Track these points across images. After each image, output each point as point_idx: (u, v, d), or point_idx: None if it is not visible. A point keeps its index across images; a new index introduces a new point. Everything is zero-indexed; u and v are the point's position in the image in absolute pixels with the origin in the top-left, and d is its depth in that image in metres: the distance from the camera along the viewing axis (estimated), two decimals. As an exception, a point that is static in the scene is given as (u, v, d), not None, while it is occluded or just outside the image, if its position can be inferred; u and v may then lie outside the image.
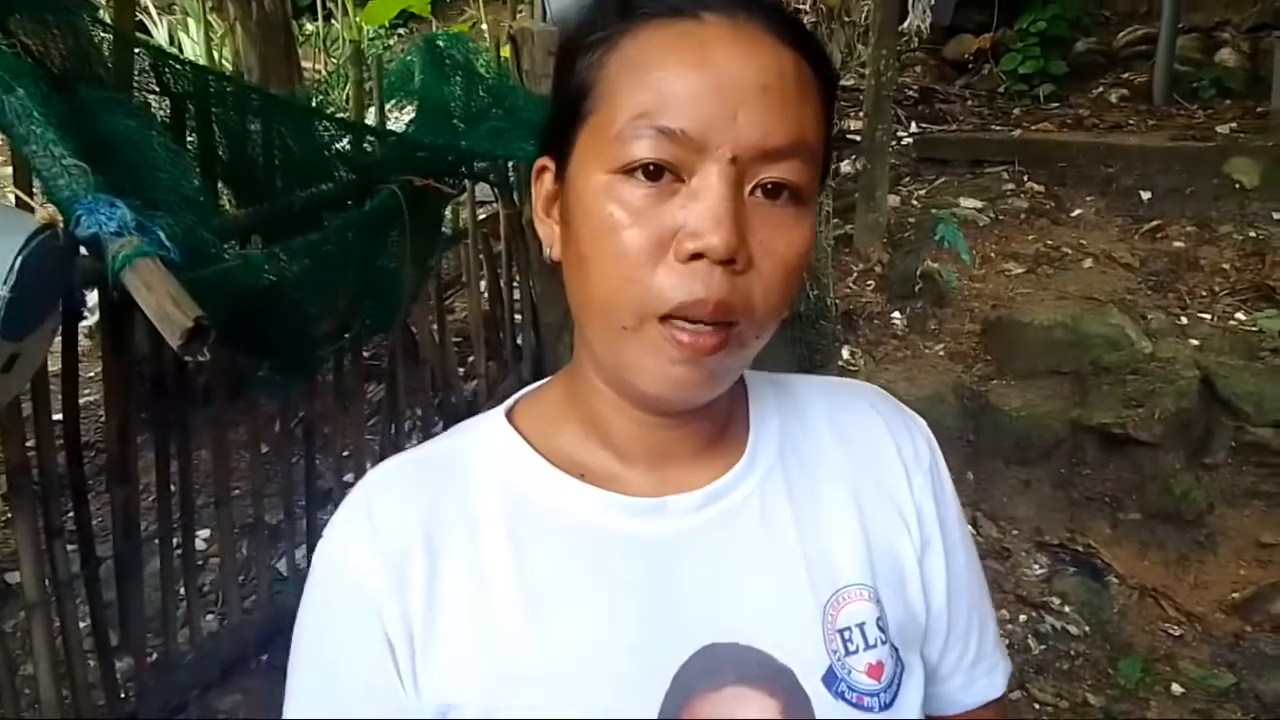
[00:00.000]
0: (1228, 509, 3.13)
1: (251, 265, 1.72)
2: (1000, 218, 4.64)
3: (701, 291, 0.57)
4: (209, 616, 2.65)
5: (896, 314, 4.08)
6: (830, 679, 0.63)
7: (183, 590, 2.30)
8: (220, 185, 2.23)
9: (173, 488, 2.21)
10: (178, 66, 2.04)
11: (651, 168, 0.57)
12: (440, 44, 3.12)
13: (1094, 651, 2.75)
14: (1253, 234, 4.22)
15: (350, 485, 2.58)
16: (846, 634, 0.64)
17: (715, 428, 0.69)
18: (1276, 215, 4.34)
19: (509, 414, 0.71)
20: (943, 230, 4.25)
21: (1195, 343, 3.60)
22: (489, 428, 0.70)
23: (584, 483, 0.66)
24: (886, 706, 0.64)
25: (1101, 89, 6.21)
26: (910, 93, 6.51)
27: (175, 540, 2.24)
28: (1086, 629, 2.83)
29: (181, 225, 1.29)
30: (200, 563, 2.70)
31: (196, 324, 1.12)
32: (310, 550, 2.73)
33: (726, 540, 0.65)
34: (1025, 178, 5.00)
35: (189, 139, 2.05)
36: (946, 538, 0.72)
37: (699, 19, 0.59)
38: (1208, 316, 3.76)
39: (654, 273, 0.57)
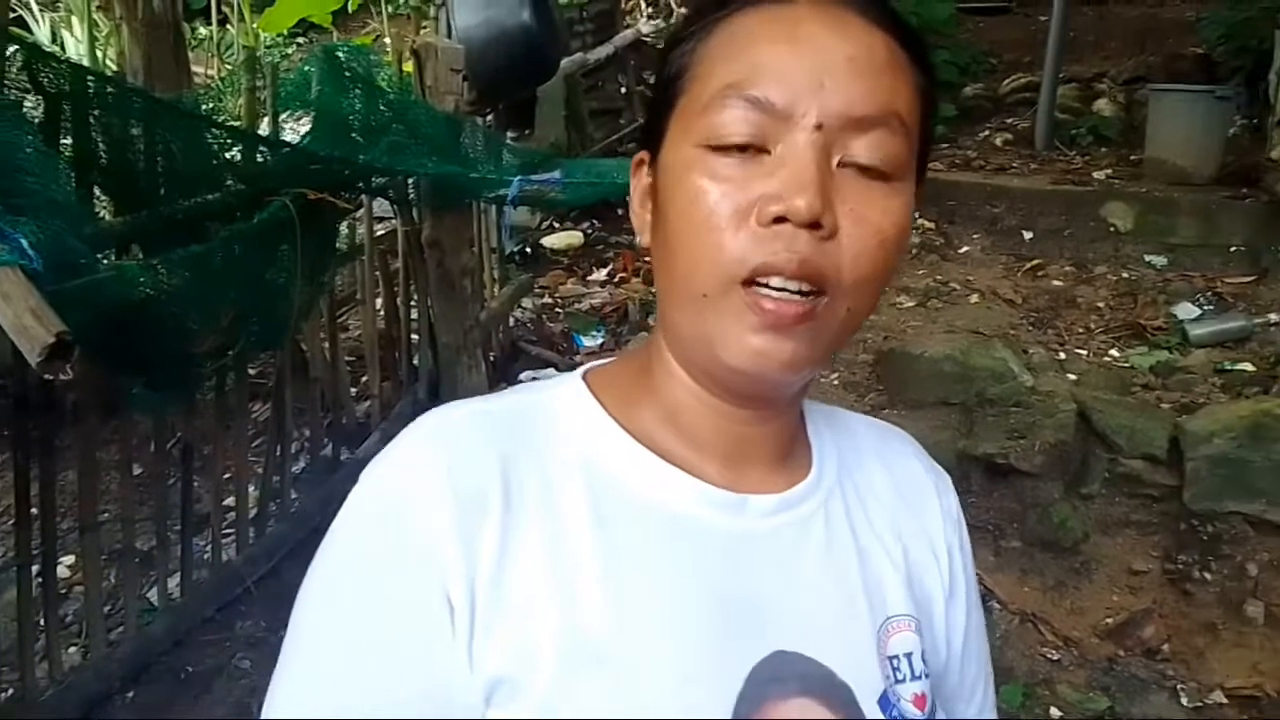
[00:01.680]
0: (1102, 537, 3.26)
1: (126, 277, 1.62)
2: (893, 252, 4.78)
3: (785, 249, 0.56)
4: (71, 649, 2.48)
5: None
6: (885, 703, 0.62)
7: (42, 621, 2.15)
8: (97, 192, 2.11)
9: (34, 511, 2.07)
10: (54, 65, 1.93)
11: (738, 137, 0.57)
12: (340, 55, 3.05)
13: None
14: (1126, 275, 4.45)
15: (231, 509, 2.47)
16: (895, 662, 0.64)
17: (789, 433, 0.68)
18: (1148, 258, 4.60)
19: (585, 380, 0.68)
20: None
21: (1073, 377, 3.77)
22: (567, 390, 0.67)
23: (669, 464, 0.63)
24: None
25: (988, 132, 6.49)
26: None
27: (35, 568, 2.09)
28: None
29: (48, 233, 1.21)
30: (63, 592, 2.54)
31: (59, 339, 1.04)
32: (187, 578, 2.61)
33: (794, 549, 0.64)
34: (917, 215, 5.16)
35: (64, 142, 1.94)
36: (968, 590, 0.73)
37: (791, 3, 0.60)
38: (1084, 352, 3.93)
39: (736, 238, 0.57)
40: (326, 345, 3.22)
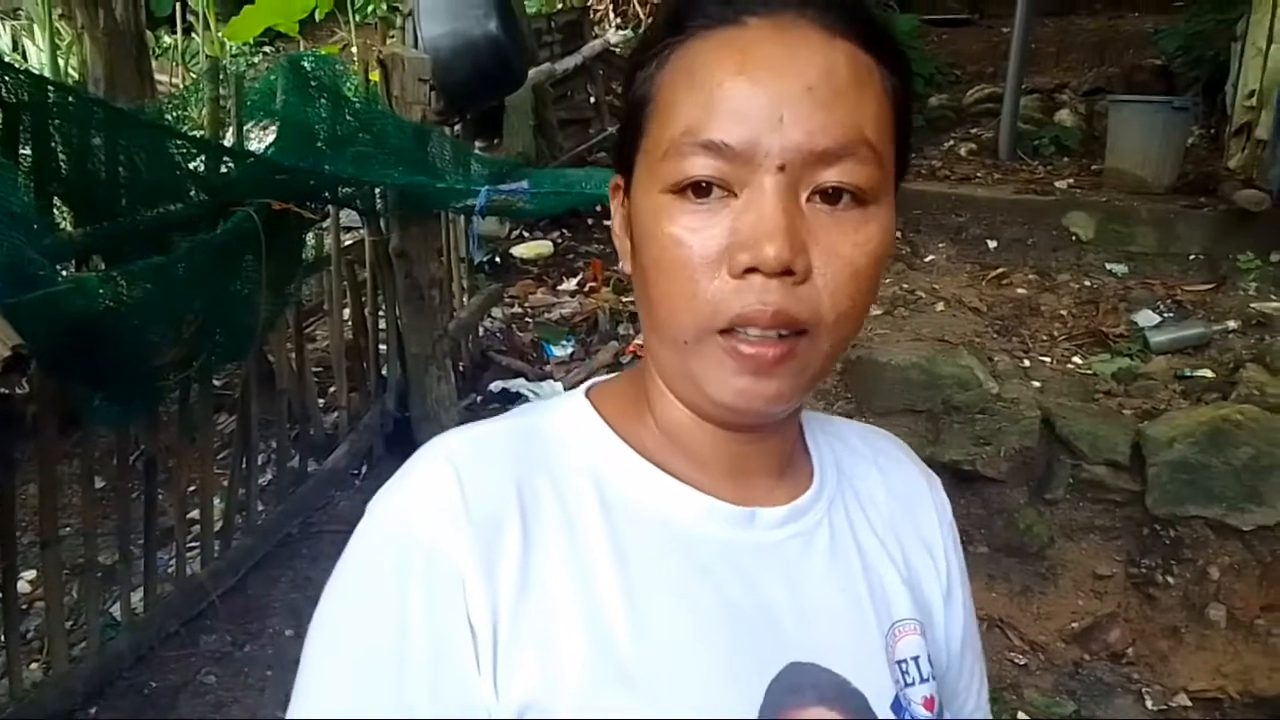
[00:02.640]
0: (1067, 542, 3.30)
1: (85, 289, 1.60)
2: (861, 261, 4.82)
3: (757, 302, 0.55)
4: (32, 666, 2.44)
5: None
6: (897, 707, 0.62)
7: (3, 637, 2.11)
8: (57, 203, 2.08)
9: (-9, 527, 2.03)
10: (13, 74, 1.90)
11: (702, 184, 0.56)
12: (306, 65, 3.04)
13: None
14: (1088, 283, 4.52)
15: (195, 523, 2.44)
16: (904, 666, 0.64)
17: (789, 447, 0.68)
18: (1109, 266, 4.67)
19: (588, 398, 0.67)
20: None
21: (1037, 384, 3.81)
22: (572, 408, 0.66)
23: (678, 480, 0.63)
24: None
25: (952, 142, 6.57)
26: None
27: (-8, 584, 2.06)
28: (939, 660, 2.92)
29: (6, 245, 1.19)
30: (24, 607, 2.49)
31: (14, 353, 1.03)
32: (150, 592, 2.57)
33: (803, 559, 0.64)
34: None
35: (23, 152, 1.91)
36: (962, 591, 0.74)
37: (742, 25, 0.57)
38: (1048, 360, 3.98)
39: (709, 289, 0.56)
40: (293, 356, 3.19)
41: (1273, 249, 4.71)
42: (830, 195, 0.56)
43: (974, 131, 6.73)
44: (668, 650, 0.57)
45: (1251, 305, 4.31)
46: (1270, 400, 3.44)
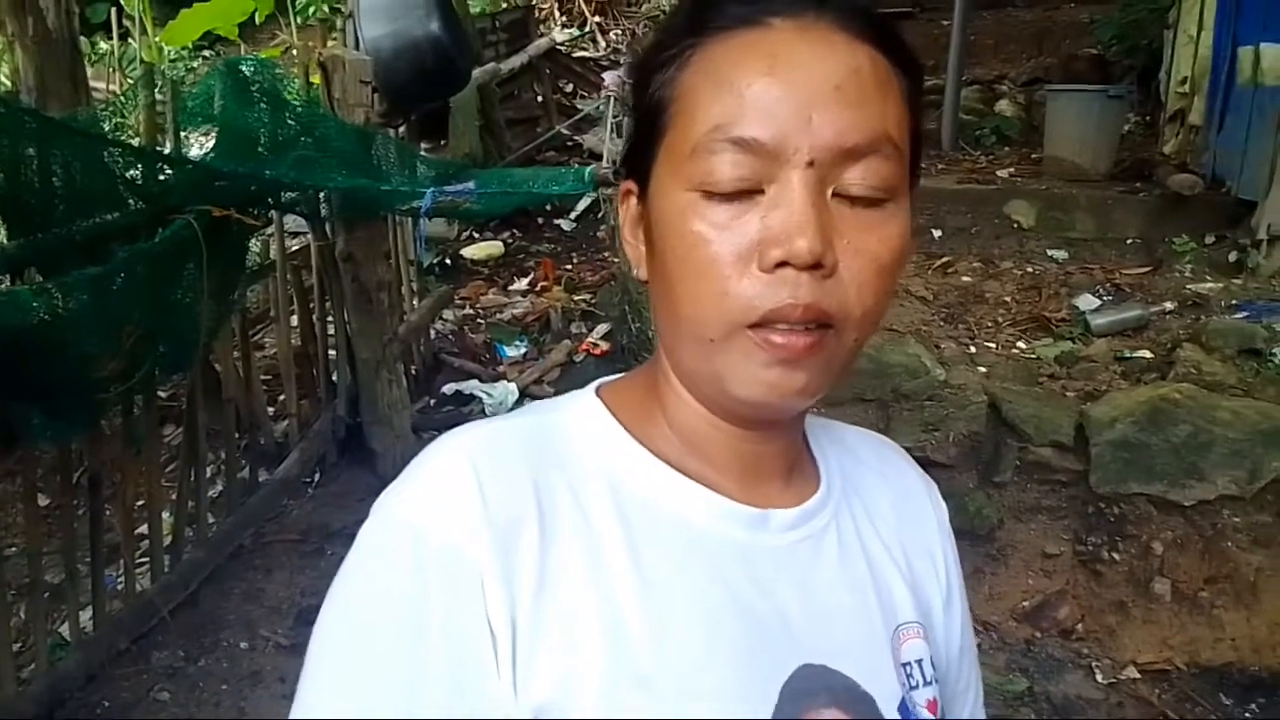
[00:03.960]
0: (1016, 523, 3.36)
1: (18, 302, 1.57)
2: (809, 254, 4.88)
3: (789, 297, 0.56)
4: (-23, 690, 2.38)
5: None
6: (904, 709, 0.63)
7: (-57, 663, 2.06)
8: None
9: (-71, 549, 1.98)
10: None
11: (729, 182, 0.57)
12: (244, 69, 3.00)
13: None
14: (1030, 269, 4.61)
15: (144, 538, 2.39)
16: (908, 669, 0.65)
17: (796, 448, 0.68)
18: (1050, 252, 4.76)
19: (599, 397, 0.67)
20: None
21: (983, 370, 3.88)
22: (584, 408, 0.66)
23: (691, 480, 0.63)
24: None
25: (897, 134, 6.64)
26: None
27: (-68, 607, 2.01)
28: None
29: (-68, 259, 1.17)
30: (-35, 631, 2.44)
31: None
32: (99, 610, 2.52)
33: (813, 562, 0.65)
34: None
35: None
36: (960, 595, 0.76)
37: (767, 25, 0.58)
38: (993, 345, 4.06)
39: (740, 284, 0.57)
40: (240, 365, 3.16)
41: (1206, 231, 4.84)
42: (854, 193, 0.57)
43: (917, 123, 6.82)
44: (684, 653, 0.58)
45: (1187, 287, 4.43)
46: (1206, 379, 3.54)
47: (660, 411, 0.66)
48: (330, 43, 3.79)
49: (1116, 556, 3.24)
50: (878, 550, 0.70)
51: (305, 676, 0.57)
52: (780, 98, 0.56)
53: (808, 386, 0.59)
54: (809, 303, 0.56)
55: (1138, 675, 2.95)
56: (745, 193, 0.57)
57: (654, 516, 0.62)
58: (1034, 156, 5.93)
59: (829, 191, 0.57)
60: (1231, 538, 3.19)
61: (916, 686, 0.65)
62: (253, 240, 2.98)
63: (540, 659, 0.55)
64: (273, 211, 3.19)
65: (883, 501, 0.73)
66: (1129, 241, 4.89)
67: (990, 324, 4.25)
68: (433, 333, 4.37)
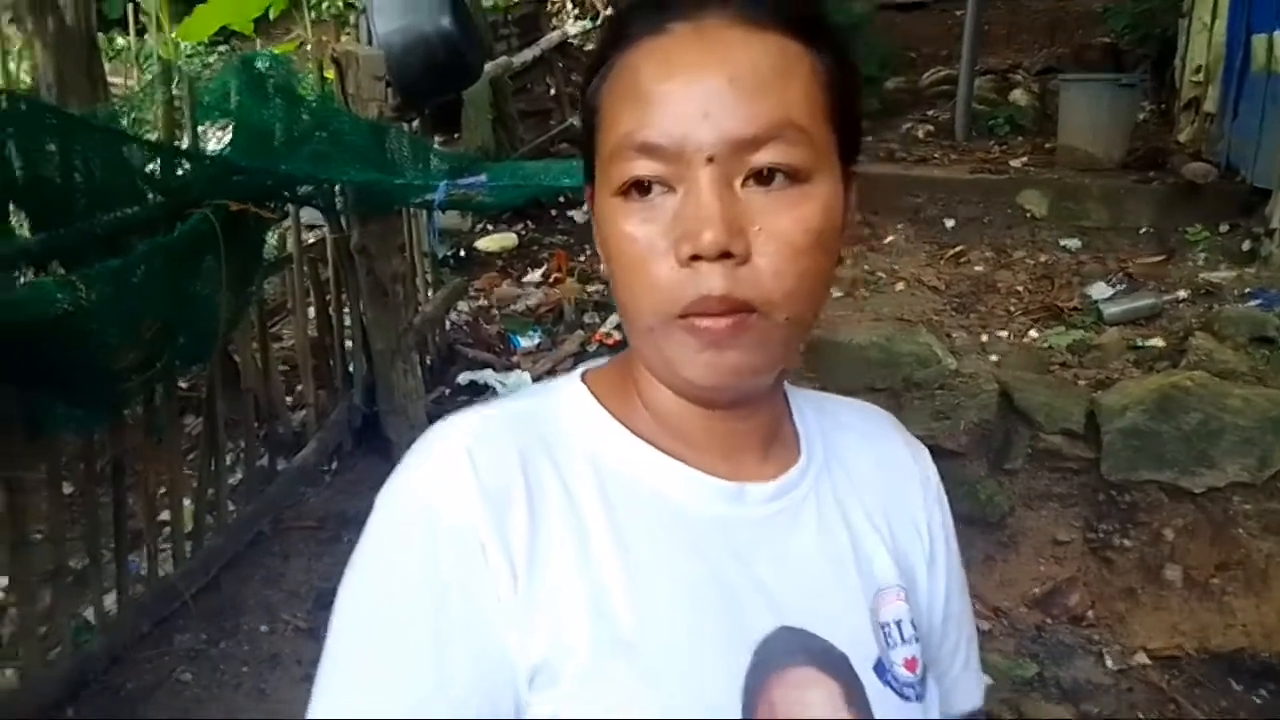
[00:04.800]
0: (1026, 511, 3.38)
1: (43, 294, 1.61)
2: (822, 245, 4.90)
3: (705, 289, 0.59)
4: (8, 671, 2.44)
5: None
6: (880, 669, 0.66)
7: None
8: (13, 209, 2.09)
9: (-41, 534, 2.04)
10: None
11: (644, 184, 0.61)
12: (259, 65, 3.04)
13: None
14: (1043, 259, 4.61)
15: (166, 524, 2.44)
16: (887, 629, 0.68)
17: (774, 422, 0.71)
18: (1063, 242, 4.76)
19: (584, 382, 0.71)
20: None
21: (995, 359, 3.89)
22: (570, 392, 0.70)
23: (670, 458, 0.67)
24: (920, 698, 0.69)
25: (909, 125, 6.64)
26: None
27: (-37, 591, 2.06)
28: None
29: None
30: (-5, 614, 2.50)
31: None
32: (122, 594, 2.58)
33: (790, 532, 0.68)
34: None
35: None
36: (949, 558, 0.78)
37: (668, 32, 0.62)
38: (1005, 334, 4.06)
39: (664, 278, 0.60)
40: (259, 355, 3.20)
41: (1220, 220, 4.82)
42: (764, 177, 0.60)
43: (930, 113, 6.82)
44: (665, 622, 0.61)
45: (1200, 275, 4.42)
46: (1218, 366, 3.54)
47: (637, 394, 0.70)
48: (344, 38, 3.84)
49: (1127, 543, 3.25)
50: (859, 517, 0.72)
51: (330, 649, 0.61)
52: (676, 98, 0.59)
53: (741, 366, 0.62)
54: (723, 294, 0.59)
55: (1148, 661, 2.96)
56: (660, 193, 0.61)
57: (635, 493, 0.65)
58: (1047, 146, 5.91)
59: (738, 181, 0.60)
60: (1242, 524, 3.19)
61: (895, 645, 0.68)
62: (270, 233, 3.02)
63: (534, 620, 0.59)
64: (289, 205, 3.23)
65: (866, 468, 0.75)
66: (1142, 231, 4.88)
67: (1002, 313, 4.25)
68: (447, 324, 4.41)
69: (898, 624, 0.69)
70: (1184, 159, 5.08)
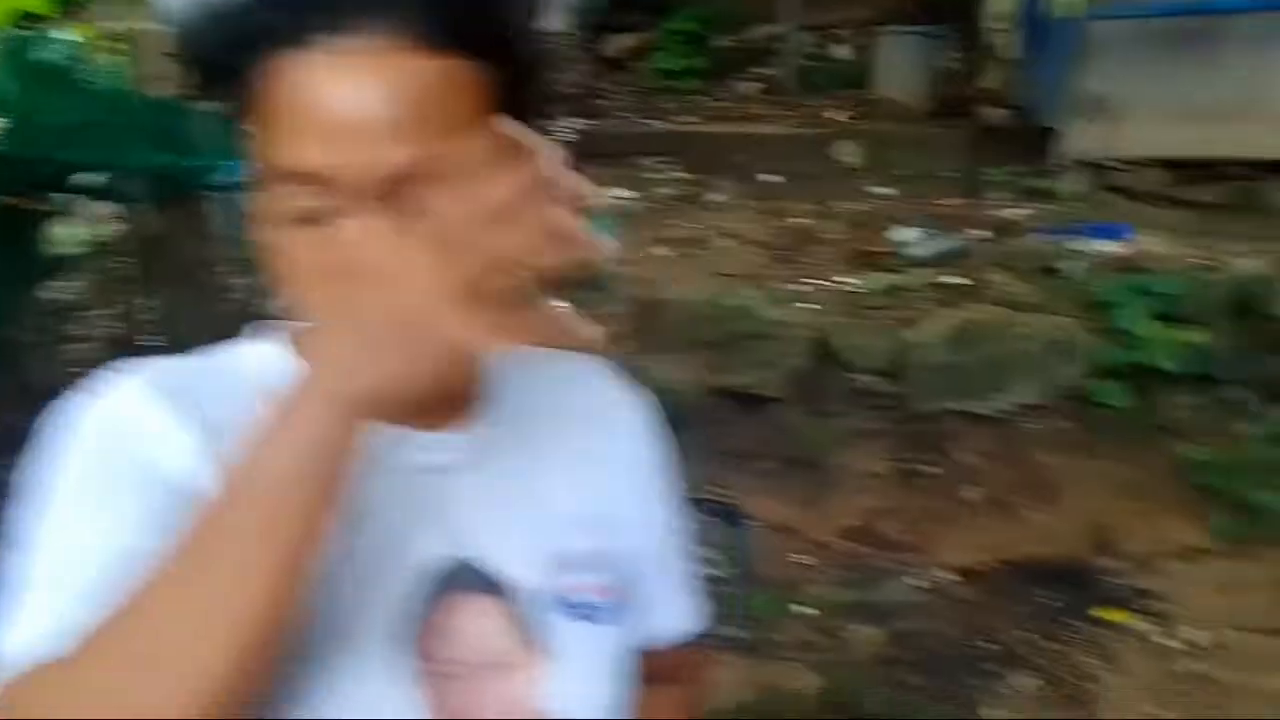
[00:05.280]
0: (844, 449, 3.56)
1: None
2: (652, 206, 4.98)
3: None
4: None
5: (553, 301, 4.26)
6: (560, 597, 0.72)
7: None
8: None
9: None
10: None
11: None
12: (32, 50, 2.89)
13: (736, 590, 3.05)
14: (859, 208, 4.81)
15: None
16: (571, 558, 0.74)
17: (459, 383, 0.74)
18: (877, 190, 4.97)
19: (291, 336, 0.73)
20: (596, 222, 4.48)
21: (817, 307, 4.05)
22: (268, 347, 0.72)
23: None
24: (613, 623, 0.75)
25: (738, 82, 6.78)
26: (570, 90, 6.76)
27: None
28: (733, 571, 3.12)
29: None
30: None
31: None
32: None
33: (469, 474, 0.72)
34: (674, 168, 5.38)
35: None
36: (660, 491, 0.84)
37: (307, 56, 0.59)
38: (824, 283, 4.23)
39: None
40: (52, 360, 3.07)
41: (1018, 161, 5.13)
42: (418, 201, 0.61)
43: (758, 71, 6.96)
44: (331, 552, 0.63)
45: (1002, 213, 4.70)
46: (1010, 299, 3.79)
47: None
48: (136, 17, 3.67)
49: (935, 470, 3.48)
50: (549, 462, 0.77)
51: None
52: (317, 135, 0.60)
53: None
54: None
55: (955, 577, 3.18)
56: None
57: None
58: (871, 99, 6.13)
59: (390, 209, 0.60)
60: (1035, 443, 3.46)
61: (578, 573, 0.74)
62: (44, 228, 2.89)
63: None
64: (78, 196, 3.09)
65: (567, 415, 0.80)
66: (947, 175, 5.14)
67: (822, 262, 4.42)
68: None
69: (585, 554, 0.75)
70: (986, 105, 5.36)
